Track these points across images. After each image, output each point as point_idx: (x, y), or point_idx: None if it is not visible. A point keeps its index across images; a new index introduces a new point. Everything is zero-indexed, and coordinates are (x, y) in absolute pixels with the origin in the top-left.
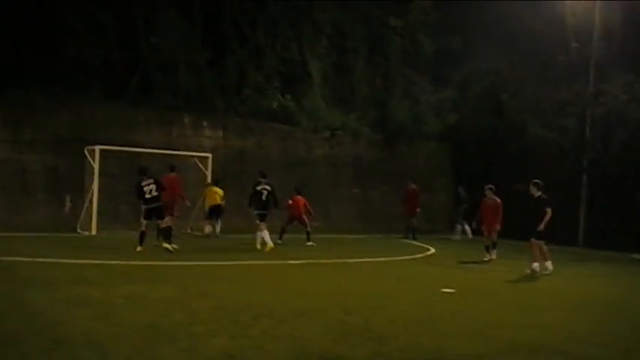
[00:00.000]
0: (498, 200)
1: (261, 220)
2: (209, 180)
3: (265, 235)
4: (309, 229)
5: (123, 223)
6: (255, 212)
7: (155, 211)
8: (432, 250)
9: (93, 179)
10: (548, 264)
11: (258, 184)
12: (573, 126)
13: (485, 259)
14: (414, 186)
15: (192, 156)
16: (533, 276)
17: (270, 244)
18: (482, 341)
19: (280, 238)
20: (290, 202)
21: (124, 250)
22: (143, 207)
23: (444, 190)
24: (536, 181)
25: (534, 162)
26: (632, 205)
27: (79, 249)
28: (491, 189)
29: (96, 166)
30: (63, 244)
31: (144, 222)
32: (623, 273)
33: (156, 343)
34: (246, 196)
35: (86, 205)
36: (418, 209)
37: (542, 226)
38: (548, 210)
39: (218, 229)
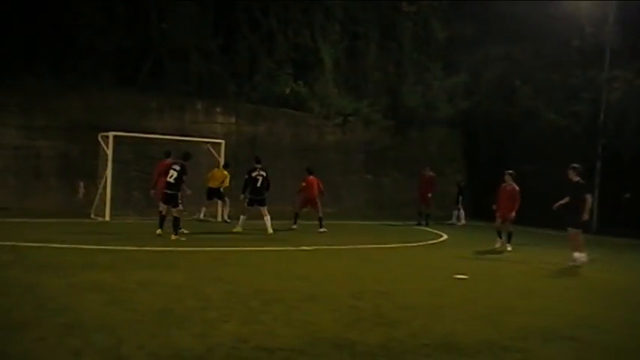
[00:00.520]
0: (517, 187)
1: (249, 205)
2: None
3: (267, 221)
4: (321, 215)
5: (135, 209)
6: (248, 197)
7: (170, 198)
8: (445, 237)
9: (106, 165)
10: (582, 255)
11: (253, 170)
12: (587, 112)
13: (497, 245)
14: (430, 173)
15: (205, 142)
16: (575, 267)
17: (239, 228)
18: (494, 327)
19: (295, 223)
20: (303, 184)
21: (137, 235)
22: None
23: (456, 177)
24: (575, 165)
25: (547, 148)
26: None
27: (92, 235)
28: (511, 174)
29: (109, 152)
30: (76, 230)
31: (162, 205)
32: (635, 259)
33: (169, 328)
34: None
35: (100, 191)
36: (429, 195)
37: (586, 216)
38: (588, 196)
39: (226, 214)
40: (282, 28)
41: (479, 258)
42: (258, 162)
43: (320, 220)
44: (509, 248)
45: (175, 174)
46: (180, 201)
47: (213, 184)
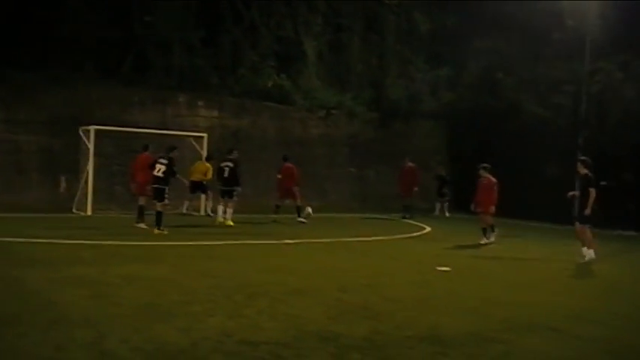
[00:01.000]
0: (493, 180)
1: (221, 196)
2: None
3: (219, 208)
4: (299, 204)
5: (118, 203)
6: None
7: (158, 192)
8: (428, 229)
9: (88, 159)
10: (590, 251)
11: (223, 160)
12: (569, 104)
13: (482, 242)
14: (410, 164)
15: (188, 136)
16: (585, 263)
17: (220, 219)
18: (477, 319)
19: (276, 213)
20: (279, 176)
21: (120, 230)
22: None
23: (439, 169)
24: (583, 158)
25: (530, 140)
26: (627, 183)
27: (74, 229)
28: (485, 168)
29: (91, 146)
30: (58, 225)
31: (141, 198)
32: (619, 250)
33: (153, 322)
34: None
35: (82, 185)
36: (415, 189)
37: (588, 210)
38: (592, 190)
39: (209, 208)
40: (265, 21)
41: (462, 250)
42: (229, 153)
43: (298, 209)
44: (492, 239)
45: (163, 168)
46: (167, 195)
47: (195, 177)
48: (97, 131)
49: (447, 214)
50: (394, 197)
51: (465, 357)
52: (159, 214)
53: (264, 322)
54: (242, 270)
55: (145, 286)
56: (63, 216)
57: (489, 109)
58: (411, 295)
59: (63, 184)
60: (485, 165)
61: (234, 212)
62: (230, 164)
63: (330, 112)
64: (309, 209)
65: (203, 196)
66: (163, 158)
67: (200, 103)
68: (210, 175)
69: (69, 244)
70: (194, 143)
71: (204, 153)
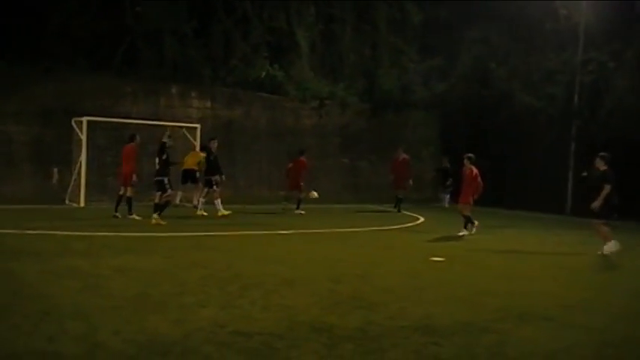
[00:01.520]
0: (474, 170)
1: (205, 186)
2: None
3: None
4: (301, 197)
5: (111, 194)
6: None
7: (157, 184)
8: (421, 219)
9: (80, 151)
10: (610, 244)
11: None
12: (561, 94)
13: (459, 233)
14: (405, 155)
15: (181, 127)
16: (605, 258)
17: (201, 211)
18: (471, 309)
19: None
20: (290, 165)
21: (112, 221)
22: None
23: (432, 159)
24: (603, 154)
25: (522, 130)
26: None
27: (67, 220)
28: (469, 158)
29: (83, 137)
30: (51, 216)
31: (122, 188)
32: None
33: (145, 313)
34: (233, 167)
35: (74, 176)
36: (410, 181)
37: (596, 204)
38: (607, 186)
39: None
40: (257, 12)
41: (456, 241)
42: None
43: (299, 202)
44: (466, 232)
45: (157, 159)
46: (167, 186)
47: (188, 166)
48: (89, 122)
49: (447, 205)
50: (386, 188)
51: (459, 347)
52: (160, 205)
53: (257, 313)
54: (235, 261)
55: (137, 278)
56: (55, 207)
57: (481, 100)
58: (405, 285)
59: (55, 176)
60: (469, 155)
61: (208, 202)
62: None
63: (322, 102)
64: (315, 193)
65: (195, 187)
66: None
67: (193, 94)
68: (202, 164)
69: (61, 235)
70: (187, 134)
71: (197, 144)
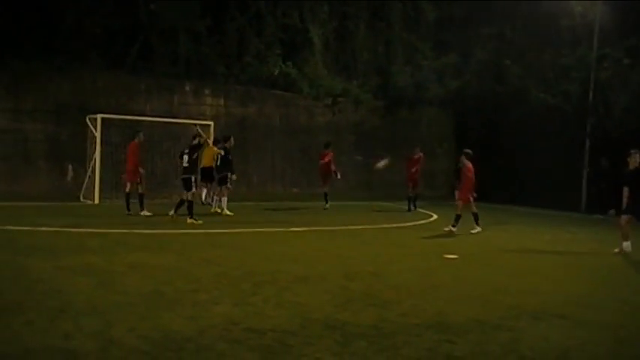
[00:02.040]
0: (469, 166)
1: (218, 184)
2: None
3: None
4: (327, 190)
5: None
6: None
7: (185, 182)
8: (435, 217)
9: (95, 148)
10: (627, 243)
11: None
12: (576, 91)
13: (472, 231)
14: (421, 153)
15: (194, 124)
16: (619, 256)
17: (216, 209)
18: (484, 307)
19: (327, 202)
20: (322, 161)
21: (126, 218)
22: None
23: (446, 157)
24: (636, 150)
25: (537, 127)
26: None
27: (81, 217)
28: (467, 154)
29: (98, 134)
30: (65, 213)
31: (128, 185)
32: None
33: (159, 310)
34: (247, 164)
35: (89, 173)
36: (416, 177)
37: (625, 202)
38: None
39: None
40: (270, 9)
41: (469, 238)
42: (218, 141)
43: (325, 195)
44: (449, 229)
45: (187, 157)
46: (194, 184)
47: (206, 164)
48: (103, 119)
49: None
50: (400, 185)
51: (472, 344)
52: (189, 204)
53: (271, 310)
54: (248, 258)
55: (152, 275)
56: (70, 204)
57: (496, 96)
58: (418, 282)
59: (70, 173)
60: (466, 151)
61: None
62: (221, 152)
63: (336, 99)
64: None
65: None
66: (186, 148)
67: (206, 91)
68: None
69: (75, 232)
70: (200, 131)
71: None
